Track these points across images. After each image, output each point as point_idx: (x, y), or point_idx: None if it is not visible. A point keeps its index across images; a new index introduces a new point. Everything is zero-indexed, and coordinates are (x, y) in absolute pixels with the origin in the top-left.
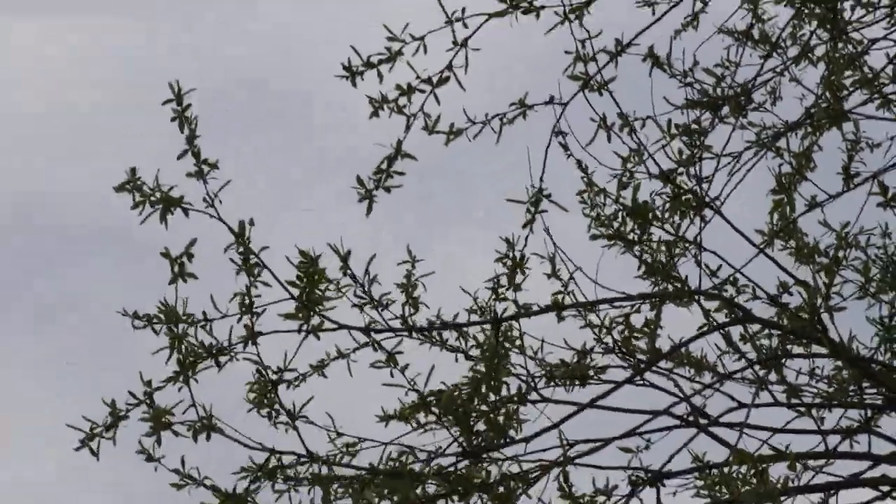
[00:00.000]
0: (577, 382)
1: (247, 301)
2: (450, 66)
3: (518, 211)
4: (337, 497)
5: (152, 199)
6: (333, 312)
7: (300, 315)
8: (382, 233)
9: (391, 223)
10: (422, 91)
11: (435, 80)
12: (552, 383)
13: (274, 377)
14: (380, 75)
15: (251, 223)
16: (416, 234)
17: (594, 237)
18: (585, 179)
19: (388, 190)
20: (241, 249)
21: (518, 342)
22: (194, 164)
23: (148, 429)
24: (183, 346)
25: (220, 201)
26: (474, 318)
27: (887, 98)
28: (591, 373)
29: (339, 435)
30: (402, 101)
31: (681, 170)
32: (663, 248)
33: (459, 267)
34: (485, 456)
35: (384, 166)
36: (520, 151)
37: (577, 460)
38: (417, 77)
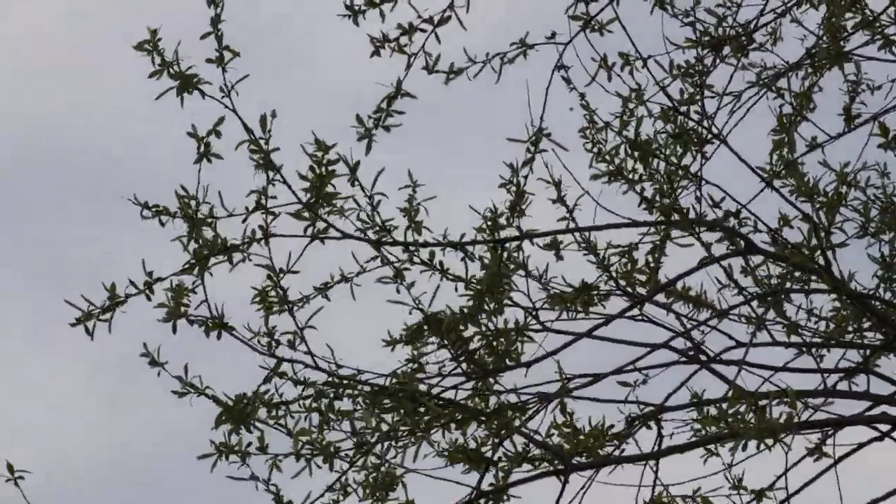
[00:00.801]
0: (579, 309)
1: (263, 200)
2: (451, 6)
3: (518, 151)
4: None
5: (170, 70)
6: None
7: (307, 215)
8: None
9: (391, 161)
10: (423, 31)
11: (436, 19)
12: (554, 307)
13: (280, 277)
14: (382, 14)
15: (273, 115)
16: (418, 170)
17: (595, 177)
18: (588, 116)
19: (387, 129)
20: (252, 147)
21: (522, 262)
22: (216, 49)
23: (164, 314)
24: (199, 238)
25: (237, 93)
26: (481, 236)
27: (888, 39)
28: (595, 299)
29: (339, 367)
30: (404, 40)
31: (682, 108)
32: (665, 182)
33: (461, 200)
34: (483, 386)
35: (384, 105)
36: (520, 92)
37: (576, 392)
38: (419, 16)
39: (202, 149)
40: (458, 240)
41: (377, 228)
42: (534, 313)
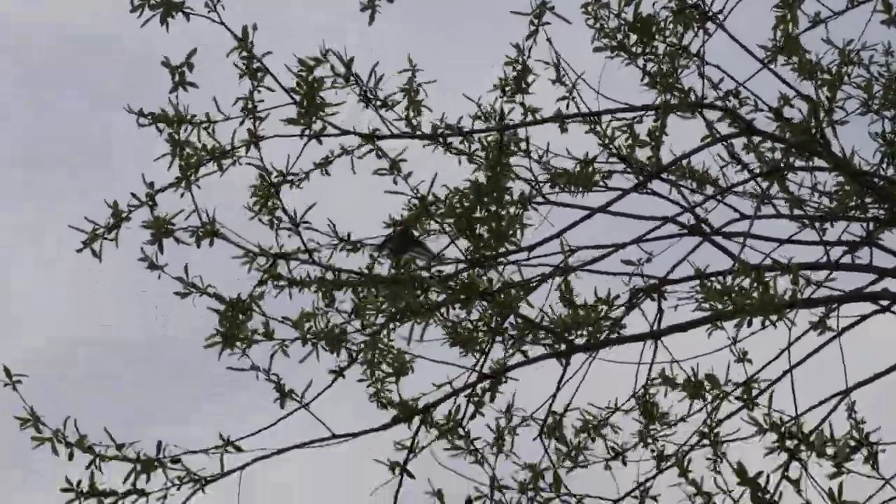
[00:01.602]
0: (581, 188)
1: (250, 105)
2: None
3: (521, 24)
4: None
5: (152, 2)
6: (336, 119)
7: (302, 120)
8: (387, 47)
9: (394, 39)
10: None
11: None
12: (557, 187)
13: (276, 179)
14: None
15: (254, 28)
16: (421, 48)
17: (597, 49)
18: None
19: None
20: (243, 54)
21: (524, 145)
22: None
23: (149, 236)
24: (185, 151)
25: (223, 7)
26: (478, 124)
27: None
28: (597, 178)
29: (341, 240)
30: None
31: None
32: (667, 59)
33: (463, 78)
34: (486, 266)
35: None
36: None
37: (579, 268)
38: None
39: (176, 78)
40: (457, 123)
41: (377, 104)
42: (537, 187)
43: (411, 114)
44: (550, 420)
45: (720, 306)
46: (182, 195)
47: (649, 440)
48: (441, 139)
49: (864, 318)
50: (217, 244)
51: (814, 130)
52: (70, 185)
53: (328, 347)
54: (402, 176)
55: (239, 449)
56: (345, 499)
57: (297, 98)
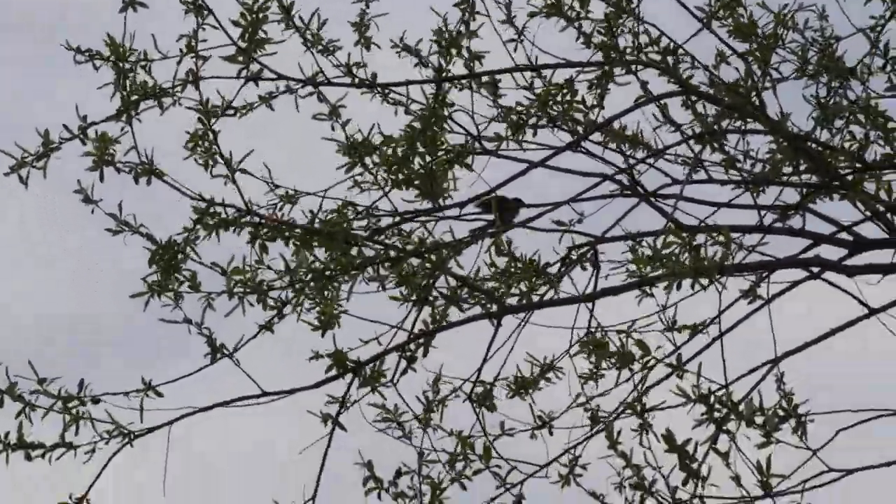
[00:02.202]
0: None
1: (193, 43)
2: None
3: None
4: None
5: None
6: (277, 63)
7: (240, 58)
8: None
9: None
10: None
11: None
12: (505, 122)
13: (214, 116)
14: None
15: None
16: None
17: (531, 14)
18: None
19: None
20: None
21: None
22: None
23: (91, 163)
24: (128, 83)
25: None
26: (434, 46)
27: None
28: (543, 122)
29: (277, 186)
30: None
31: None
32: (603, 22)
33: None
34: (420, 219)
35: None
36: None
37: (510, 228)
38: None
39: None
40: (415, 45)
41: (319, 48)
42: (477, 136)
43: (360, 51)
44: (480, 389)
45: (650, 270)
46: (123, 129)
47: (584, 399)
48: (380, 88)
49: (794, 284)
50: (155, 189)
51: (749, 92)
52: None
53: (255, 303)
54: (340, 123)
55: (159, 394)
56: (272, 455)
57: (240, 30)
